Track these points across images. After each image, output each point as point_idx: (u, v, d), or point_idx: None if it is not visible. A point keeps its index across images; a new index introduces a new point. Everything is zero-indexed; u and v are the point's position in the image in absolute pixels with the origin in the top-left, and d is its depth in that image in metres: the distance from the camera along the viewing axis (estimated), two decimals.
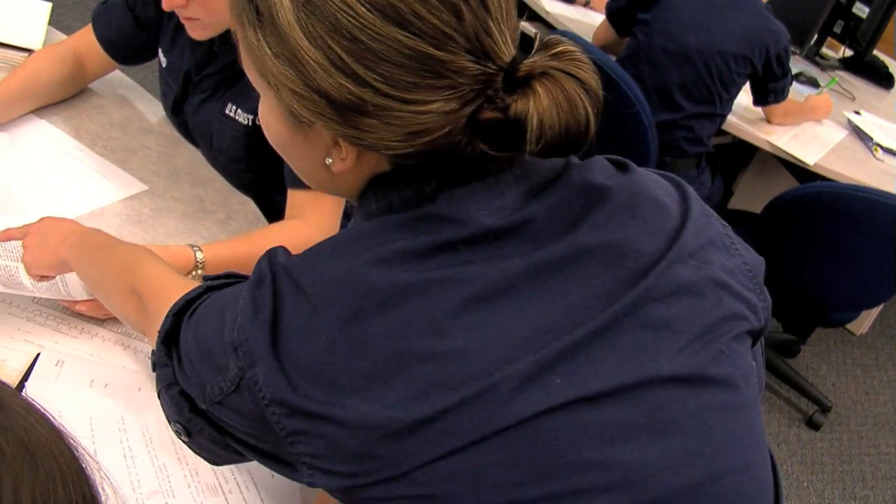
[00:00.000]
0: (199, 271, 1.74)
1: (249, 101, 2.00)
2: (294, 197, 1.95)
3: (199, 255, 1.74)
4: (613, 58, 3.66)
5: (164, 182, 2.06)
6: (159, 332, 1.19)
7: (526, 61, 1.00)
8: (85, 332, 1.61)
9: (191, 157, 2.17)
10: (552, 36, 1.04)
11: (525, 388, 0.96)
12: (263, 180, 2.13)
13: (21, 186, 1.90)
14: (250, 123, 2.01)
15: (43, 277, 1.58)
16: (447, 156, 1.04)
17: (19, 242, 1.62)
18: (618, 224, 1.07)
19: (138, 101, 2.33)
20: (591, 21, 4.21)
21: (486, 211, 1.03)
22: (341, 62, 0.96)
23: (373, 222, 1.06)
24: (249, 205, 2.08)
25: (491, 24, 0.99)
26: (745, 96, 3.80)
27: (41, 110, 2.14)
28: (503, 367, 0.96)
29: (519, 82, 0.99)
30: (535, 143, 0.98)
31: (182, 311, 1.18)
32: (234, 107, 2.02)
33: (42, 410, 0.67)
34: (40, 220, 1.62)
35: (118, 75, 2.33)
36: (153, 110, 2.30)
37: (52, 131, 2.10)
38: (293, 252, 1.80)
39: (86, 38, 2.21)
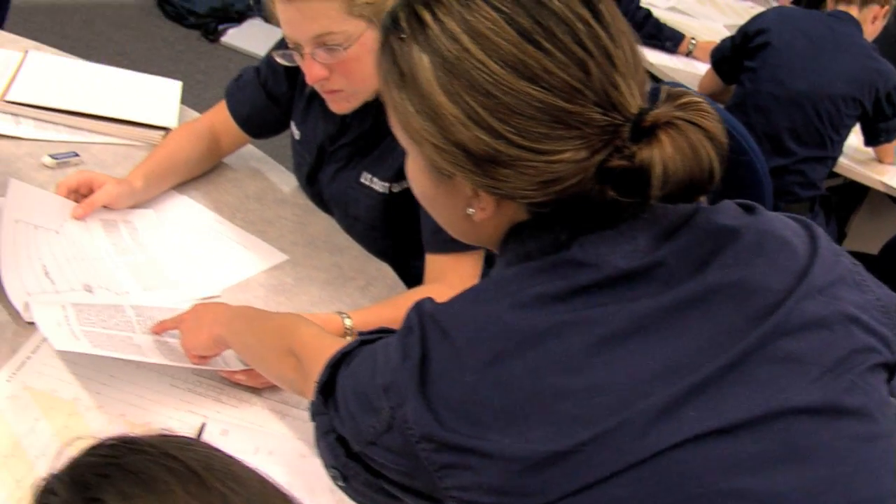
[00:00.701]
0: (349, 337, 1.78)
1: (385, 169, 2.05)
2: (433, 261, 2.00)
3: (348, 322, 1.79)
4: (721, 106, 3.67)
5: (303, 251, 2.12)
6: (317, 382, 1.25)
7: (652, 112, 1.05)
8: (244, 401, 1.67)
9: (326, 225, 2.23)
10: (677, 88, 1.09)
11: (660, 421, 1.00)
12: (400, 246, 2.18)
13: (169, 261, 1.97)
14: (387, 191, 2.06)
15: (201, 359, 1.65)
16: (579, 203, 1.10)
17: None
18: (746, 263, 1.10)
19: (270, 172, 2.40)
20: (694, 70, 4.22)
21: (618, 254, 1.08)
22: (477, 116, 1.04)
23: (512, 269, 1.12)
24: (387, 270, 2.13)
25: (618, 78, 1.05)
26: (854, 137, 3.78)
27: (181, 186, 2.22)
28: (638, 401, 1.00)
29: (645, 132, 1.05)
30: (659, 189, 1.04)
31: (338, 363, 1.25)
32: (369, 175, 2.08)
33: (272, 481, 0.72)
34: (192, 307, 1.70)
35: (249, 148, 2.41)
36: (286, 181, 2.37)
37: (193, 206, 2.18)
38: None
39: (220, 114, 2.30)
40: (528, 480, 0.99)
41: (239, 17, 6.06)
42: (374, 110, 2.02)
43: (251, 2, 6.18)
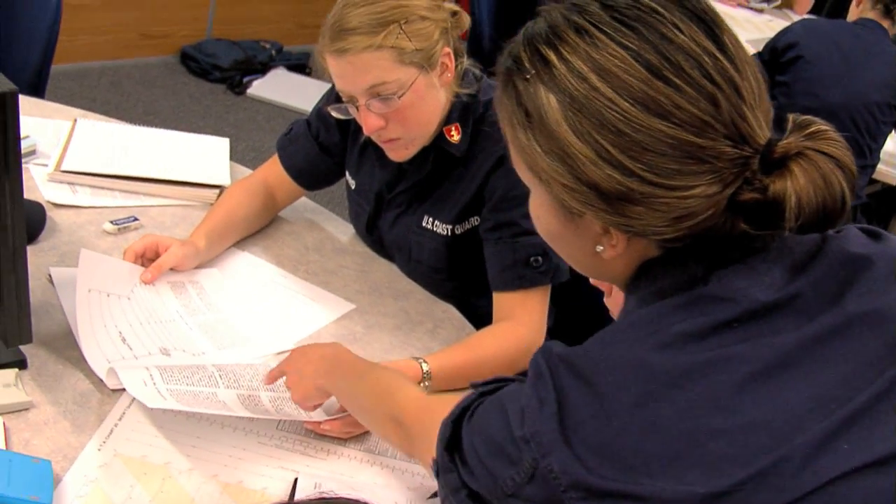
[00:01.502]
0: (427, 383, 1.80)
1: (446, 212, 2.08)
2: (501, 299, 2.01)
3: (426, 367, 1.80)
4: None
5: (369, 299, 2.13)
6: (439, 440, 1.25)
7: (781, 143, 1.05)
8: (331, 452, 1.68)
9: (388, 271, 2.25)
10: (804, 116, 1.09)
11: (817, 457, 0.99)
12: (464, 287, 2.19)
13: (239, 318, 1.99)
14: (449, 234, 2.08)
15: (315, 406, 1.69)
16: (711, 237, 1.10)
17: (258, 370, 1.75)
18: (881, 291, 1.10)
19: (326, 223, 2.42)
20: None
21: (756, 288, 1.08)
22: (608, 154, 1.04)
23: (648, 308, 1.11)
24: (453, 312, 2.15)
25: (745, 109, 1.05)
26: (892, 142, 3.78)
27: (241, 242, 2.24)
28: (793, 437, 0.99)
29: (776, 163, 1.05)
30: (794, 220, 1.04)
31: (459, 418, 1.24)
32: (430, 219, 2.10)
33: None
34: (290, 355, 1.72)
35: (303, 201, 2.43)
36: (342, 230, 2.40)
37: (255, 261, 2.20)
38: (511, 351, 1.86)
39: (273, 169, 2.32)
40: None
41: (263, 69, 6.12)
42: (430, 155, 2.04)
43: (273, 52, 6.24)
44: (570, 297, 2.14)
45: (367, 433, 1.72)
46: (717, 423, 1.00)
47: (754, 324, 1.06)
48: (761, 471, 0.98)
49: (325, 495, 0.74)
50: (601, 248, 1.15)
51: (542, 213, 1.20)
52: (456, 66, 1.99)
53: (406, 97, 1.88)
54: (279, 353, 1.90)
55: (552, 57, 1.09)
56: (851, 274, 1.11)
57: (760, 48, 3.90)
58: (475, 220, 2.07)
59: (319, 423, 1.68)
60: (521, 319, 1.99)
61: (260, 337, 1.95)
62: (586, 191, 1.07)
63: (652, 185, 1.04)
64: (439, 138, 2.03)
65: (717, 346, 1.04)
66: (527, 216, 1.93)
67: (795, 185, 1.03)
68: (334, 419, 1.68)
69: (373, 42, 1.82)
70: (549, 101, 1.08)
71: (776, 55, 3.71)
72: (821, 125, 1.07)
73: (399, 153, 2.01)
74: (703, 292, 1.08)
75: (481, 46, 4.68)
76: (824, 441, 1.00)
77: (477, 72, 2.08)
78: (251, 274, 2.16)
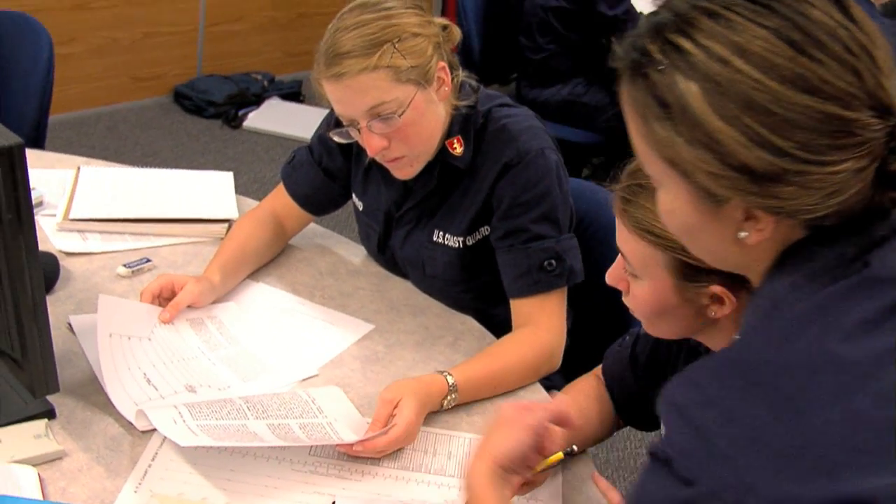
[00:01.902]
0: (454, 395, 1.81)
1: (456, 224, 2.09)
2: (519, 306, 2.02)
3: (451, 380, 1.81)
4: None
5: (387, 318, 2.14)
6: None
7: None
8: (367, 473, 1.68)
9: (403, 288, 2.26)
10: None
11: None
12: (481, 297, 2.20)
13: (260, 349, 2.00)
14: (461, 246, 2.10)
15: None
16: (857, 215, 1.10)
17: (298, 396, 1.77)
18: None
19: (337, 246, 2.43)
20: None
21: None
22: (758, 136, 1.04)
23: (813, 298, 1.09)
24: (471, 322, 2.16)
25: (883, 79, 1.06)
26: None
27: (255, 273, 2.25)
28: None
29: None
30: None
31: None
32: (441, 233, 2.11)
33: None
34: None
35: (312, 227, 2.44)
36: (353, 252, 2.40)
37: (271, 291, 2.21)
38: (534, 357, 1.86)
39: (280, 198, 2.33)
40: None
41: (257, 100, 6.14)
42: (435, 169, 2.05)
43: (265, 83, 6.26)
44: (586, 298, 2.15)
45: (400, 451, 1.73)
46: None
47: None
48: None
49: None
50: (744, 234, 1.13)
51: (677, 207, 1.17)
52: (452, 79, 2.00)
53: (406, 115, 1.89)
54: (304, 380, 1.91)
55: (686, 44, 1.08)
56: None
57: None
58: (485, 230, 2.08)
59: (352, 445, 1.68)
60: (541, 324, 1.99)
61: (283, 365, 1.95)
62: (735, 175, 1.06)
63: (804, 163, 1.04)
64: (443, 152, 2.04)
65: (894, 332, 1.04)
66: (537, 221, 1.97)
67: None
68: (366, 439, 1.68)
69: (368, 63, 1.83)
70: (690, 89, 1.06)
71: None
72: None
73: (404, 171, 2.02)
74: (868, 275, 1.08)
75: (472, 59, 4.69)
76: None
77: (473, 83, 2.09)
78: (268, 304, 2.17)
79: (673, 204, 1.18)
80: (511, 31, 4.75)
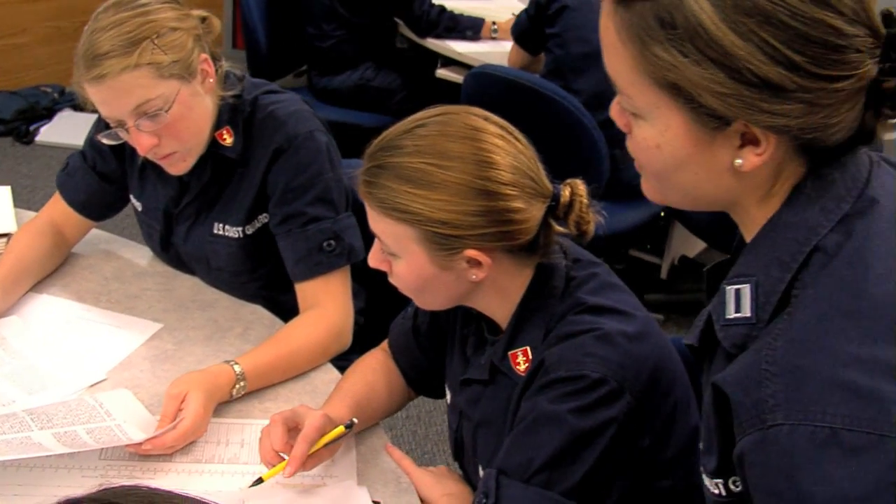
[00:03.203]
0: (243, 383, 1.81)
1: (234, 215, 2.09)
2: (304, 289, 2.04)
3: (238, 369, 1.82)
4: (536, 75, 3.77)
5: (176, 315, 2.13)
6: None
7: None
8: (159, 471, 1.68)
9: (191, 284, 2.25)
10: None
11: None
12: (268, 285, 2.21)
13: (46, 361, 1.96)
14: (241, 235, 2.10)
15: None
16: (850, 137, 1.12)
17: (85, 402, 1.74)
18: None
19: (122, 250, 2.40)
20: (502, 49, 4.31)
21: None
22: (774, 50, 1.04)
23: (856, 237, 1.11)
24: (261, 311, 2.16)
25: (870, 1, 1.08)
26: None
27: (37, 285, 2.20)
28: None
29: None
30: None
31: None
32: (221, 225, 2.11)
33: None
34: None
35: (95, 232, 2.39)
36: (139, 254, 2.37)
37: (56, 301, 2.17)
38: (322, 338, 1.88)
39: (58, 206, 2.29)
40: None
41: (48, 113, 5.97)
42: (208, 162, 2.05)
43: (56, 95, 6.10)
44: (377, 275, 2.17)
45: (192, 444, 1.73)
46: None
47: None
48: None
49: (105, 486, 0.75)
50: (740, 161, 1.12)
51: (667, 139, 1.14)
52: (216, 71, 1.99)
53: (173, 110, 1.88)
54: (92, 386, 1.88)
55: None
56: None
57: (527, 3, 4.00)
58: (264, 218, 2.09)
59: (140, 443, 1.67)
60: (327, 305, 2.01)
61: (70, 374, 1.92)
62: (746, 93, 1.06)
63: (815, 78, 1.05)
64: (213, 144, 2.03)
65: None
66: (312, 204, 1.99)
67: None
68: (155, 437, 1.67)
69: (129, 62, 1.81)
70: (702, 6, 1.04)
71: (542, 9, 3.79)
72: None
73: (178, 167, 2.01)
74: (886, 210, 1.12)
75: (260, 53, 4.67)
76: None
77: (238, 72, 2.09)
78: (53, 314, 2.12)
79: (662, 137, 1.14)
80: (297, 21, 4.75)
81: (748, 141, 1.11)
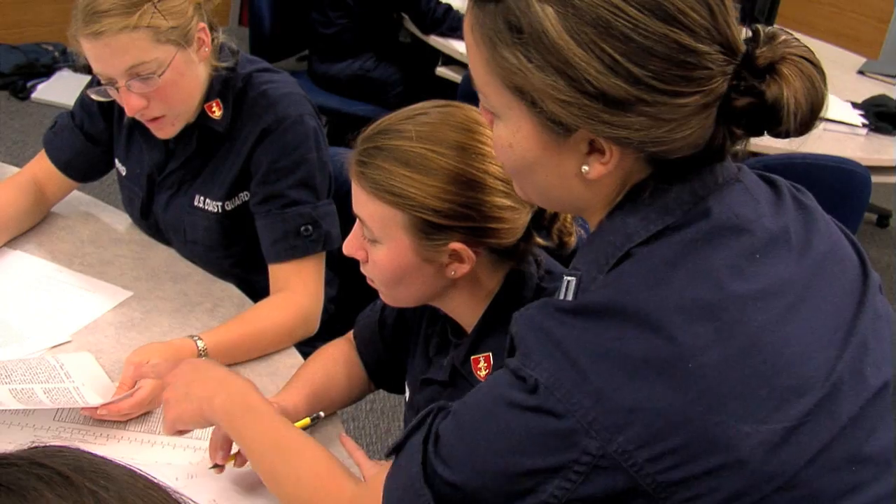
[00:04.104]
0: (204, 358, 1.81)
1: (216, 189, 2.08)
2: (276, 271, 2.04)
3: (201, 344, 1.81)
4: None
5: (147, 285, 2.12)
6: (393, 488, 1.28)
7: (762, 51, 1.10)
8: (111, 437, 1.68)
9: (166, 255, 2.24)
10: (770, 28, 1.13)
11: (856, 381, 1.10)
12: (241, 264, 2.21)
13: (14, 317, 1.96)
14: (220, 210, 2.09)
15: (180, 432, 1.63)
16: (699, 154, 1.13)
17: (45, 362, 1.74)
18: (825, 235, 1.21)
19: (101, 214, 2.39)
20: None
21: (764, 218, 1.15)
22: (614, 63, 1.04)
23: (666, 245, 1.12)
24: (232, 290, 2.16)
25: (730, 18, 1.09)
26: None
27: (13, 241, 2.20)
28: (837, 364, 1.09)
29: (760, 70, 1.09)
30: (792, 121, 1.09)
31: (425, 458, 1.23)
32: (201, 197, 2.11)
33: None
34: (181, 365, 1.63)
35: (76, 194, 2.39)
36: (118, 220, 2.37)
37: (29, 259, 2.16)
38: (289, 321, 1.88)
39: (42, 164, 2.28)
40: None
41: (47, 71, 5.95)
42: (196, 132, 2.05)
43: (56, 54, 6.08)
44: (352, 264, 2.17)
45: (147, 414, 1.73)
46: (777, 356, 1.06)
47: (771, 255, 1.12)
48: (821, 399, 1.06)
49: (35, 444, 0.75)
50: (586, 168, 1.13)
51: (518, 140, 1.15)
52: (212, 41, 1.99)
53: (166, 75, 1.88)
54: (56, 346, 1.88)
55: None
56: (808, 217, 1.21)
57: None
58: (245, 196, 2.09)
59: (96, 408, 1.67)
60: (297, 289, 2.01)
61: (35, 332, 1.92)
62: (587, 103, 1.06)
63: (656, 93, 1.05)
64: (202, 116, 2.03)
65: (754, 277, 1.09)
66: (294, 187, 1.99)
67: (791, 87, 1.07)
68: (110, 403, 1.67)
69: (128, 23, 1.81)
70: (547, 13, 1.04)
71: None
72: (786, 35, 1.12)
73: (165, 131, 2.01)
74: (716, 223, 1.12)
75: (263, 34, 4.67)
76: (857, 366, 1.11)
77: (233, 46, 2.09)
78: (24, 271, 2.12)
79: (513, 137, 1.15)
80: (303, 5, 4.74)
81: (594, 149, 1.12)
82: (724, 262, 1.09)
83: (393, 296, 1.62)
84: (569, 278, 1.18)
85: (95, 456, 0.73)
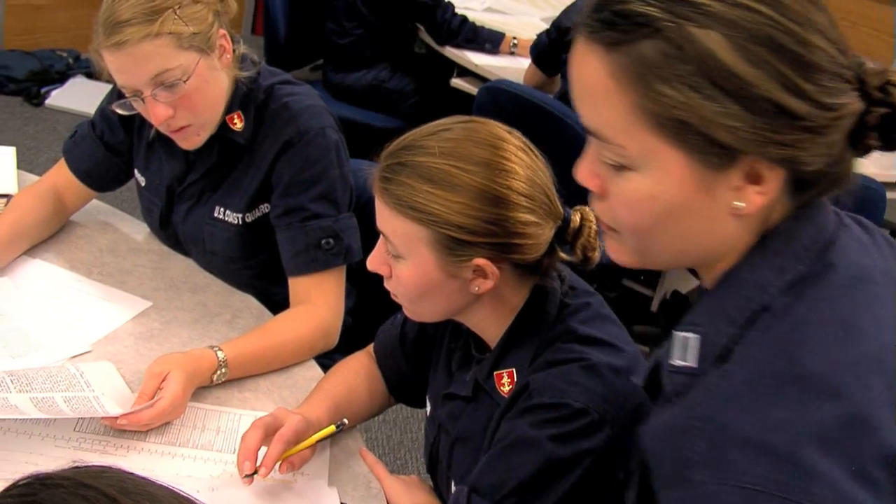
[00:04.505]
0: (224, 370, 1.81)
1: (236, 200, 2.09)
2: (296, 284, 2.04)
3: (221, 355, 1.81)
4: (551, 96, 3.77)
5: (166, 295, 2.13)
6: None
7: (871, 68, 1.09)
8: (131, 448, 1.68)
9: (185, 266, 2.25)
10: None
11: None
12: (260, 275, 2.21)
13: (33, 326, 1.96)
14: (240, 222, 2.10)
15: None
16: (829, 179, 1.12)
17: (66, 370, 1.74)
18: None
19: (120, 223, 2.40)
20: (520, 66, 4.31)
21: (877, 261, 1.14)
22: (786, 80, 1.02)
23: (808, 300, 1.09)
24: (251, 301, 2.16)
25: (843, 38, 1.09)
26: None
27: (32, 249, 2.20)
28: None
29: (880, 86, 1.08)
30: None
31: None
32: (221, 209, 2.11)
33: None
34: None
35: (95, 203, 2.40)
36: (136, 230, 2.38)
37: (48, 267, 2.17)
38: (309, 334, 1.88)
39: (61, 173, 2.29)
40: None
41: (61, 78, 5.97)
42: (217, 144, 2.05)
43: (70, 60, 6.09)
44: (370, 277, 2.18)
45: (167, 425, 1.73)
46: None
47: (887, 300, 1.11)
48: None
49: (77, 464, 0.75)
50: (740, 204, 1.09)
51: (665, 187, 1.09)
52: (234, 50, 2.00)
53: (190, 82, 1.89)
54: (76, 356, 1.88)
55: None
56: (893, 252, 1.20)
57: (549, 24, 4.00)
58: (265, 208, 2.09)
59: (116, 418, 1.67)
60: (318, 302, 2.01)
61: (55, 342, 1.92)
62: (760, 124, 1.03)
63: (821, 108, 1.04)
64: (223, 127, 2.04)
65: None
66: (315, 200, 1.99)
67: None
68: (131, 413, 1.67)
69: (150, 31, 1.81)
70: (712, 38, 1.01)
71: (562, 34, 3.80)
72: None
73: (191, 141, 2.01)
74: (845, 275, 1.10)
75: (278, 43, 4.69)
76: None
77: (255, 57, 2.09)
78: (43, 280, 2.12)
79: (659, 185, 1.09)
80: (318, 15, 4.75)
81: (752, 178, 1.08)
82: (867, 314, 1.08)
83: (417, 311, 1.62)
84: (687, 335, 1.14)
85: (139, 477, 0.74)
